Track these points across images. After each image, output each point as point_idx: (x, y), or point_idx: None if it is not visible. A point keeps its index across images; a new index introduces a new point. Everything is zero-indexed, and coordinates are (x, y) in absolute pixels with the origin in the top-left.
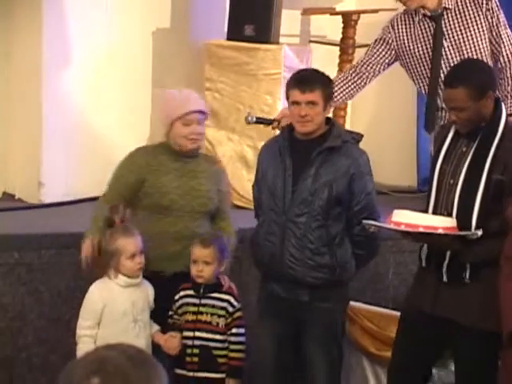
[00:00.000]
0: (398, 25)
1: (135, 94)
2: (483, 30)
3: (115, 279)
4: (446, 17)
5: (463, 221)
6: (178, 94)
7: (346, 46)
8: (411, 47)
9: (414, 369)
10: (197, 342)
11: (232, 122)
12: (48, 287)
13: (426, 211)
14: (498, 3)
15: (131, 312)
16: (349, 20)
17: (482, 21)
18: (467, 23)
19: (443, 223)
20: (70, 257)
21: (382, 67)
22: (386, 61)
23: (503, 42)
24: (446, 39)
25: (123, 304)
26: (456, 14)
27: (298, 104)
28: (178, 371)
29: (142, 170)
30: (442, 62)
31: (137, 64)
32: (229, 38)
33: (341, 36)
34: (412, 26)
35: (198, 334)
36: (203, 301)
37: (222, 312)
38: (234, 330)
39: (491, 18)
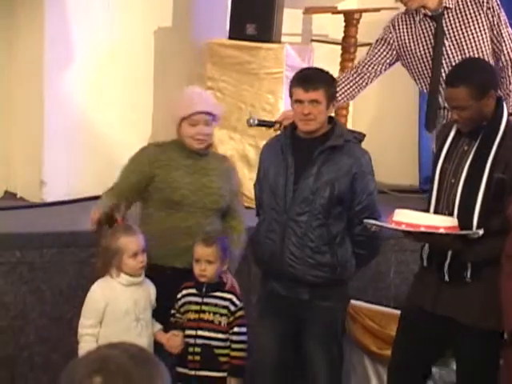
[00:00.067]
0: (398, 25)
1: (137, 92)
2: (484, 29)
3: (117, 278)
4: (446, 16)
5: (464, 220)
6: (187, 93)
7: (347, 44)
8: (412, 47)
9: (414, 367)
10: (199, 341)
11: (234, 121)
12: (50, 286)
13: (427, 210)
14: (498, 2)
15: (133, 311)
16: (351, 19)
17: (483, 20)
18: (468, 22)
19: (444, 223)
20: (71, 255)
21: (384, 67)
22: (388, 61)
23: (504, 41)
24: (447, 38)
25: (125, 303)
26: (457, 14)
27: (301, 102)
28: (180, 370)
29: (151, 166)
30: (444, 61)
31: (138, 63)
32: (231, 37)
33: (343, 35)
34: (413, 25)
35: (200, 332)
36: (205, 300)
37: (224, 311)
38: (235, 329)
39: (492, 16)
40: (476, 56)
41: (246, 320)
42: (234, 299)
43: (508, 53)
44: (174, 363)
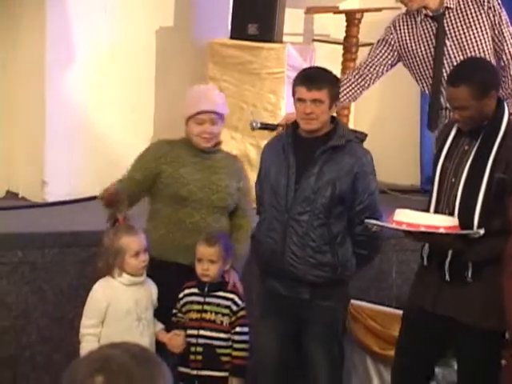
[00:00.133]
0: (399, 25)
1: (138, 92)
2: (485, 29)
3: (119, 277)
4: (447, 16)
5: (465, 220)
6: (194, 91)
7: (349, 44)
8: (414, 47)
9: (416, 368)
10: (201, 341)
11: (235, 121)
12: (51, 286)
13: (427, 210)
14: (499, 1)
15: (135, 310)
16: (352, 18)
17: (484, 19)
18: (469, 22)
19: (445, 222)
20: (73, 255)
21: (385, 68)
22: (389, 62)
23: (506, 41)
24: (448, 39)
25: (127, 302)
26: (458, 14)
27: (304, 101)
28: (182, 369)
29: (158, 161)
30: (445, 61)
31: (140, 62)
32: (232, 37)
33: (344, 35)
34: (414, 26)
35: (202, 332)
36: (207, 299)
37: (226, 311)
38: (237, 329)
39: (493, 16)
40: (477, 56)
41: (247, 320)
42: (236, 299)
43: (509, 52)
44: (175, 363)
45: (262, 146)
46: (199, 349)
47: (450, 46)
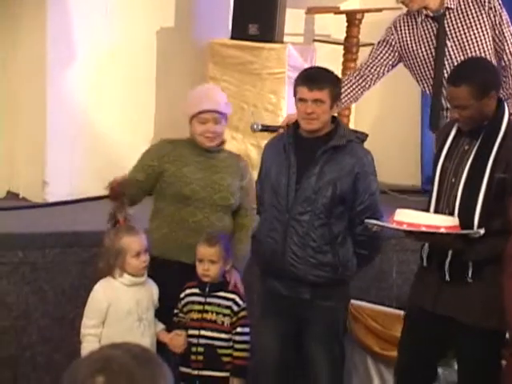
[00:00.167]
0: (400, 26)
1: (139, 92)
2: (486, 29)
3: (120, 278)
4: (448, 17)
5: (465, 219)
6: (197, 91)
7: (350, 44)
8: (414, 48)
9: (417, 367)
10: (202, 341)
11: (236, 121)
12: (52, 286)
13: (427, 210)
14: (500, 1)
15: (136, 311)
16: (353, 19)
17: (485, 19)
18: (470, 22)
19: (445, 222)
20: (74, 256)
21: (386, 69)
22: (390, 62)
23: (506, 41)
24: (449, 39)
25: (128, 303)
26: (458, 14)
27: (305, 101)
28: (183, 369)
29: (160, 160)
30: (446, 61)
31: (140, 62)
32: (233, 37)
33: (345, 35)
34: (415, 26)
35: (203, 332)
36: (208, 299)
37: (227, 311)
38: (238, 329)
39: (494, 16)
40: (478, 56)
41: (248, 320)
42: (237, 299)
43: (510, 52)
44: (176, 363)
45: (263, 145)
46: (200, 349)
47: (451, 46)
